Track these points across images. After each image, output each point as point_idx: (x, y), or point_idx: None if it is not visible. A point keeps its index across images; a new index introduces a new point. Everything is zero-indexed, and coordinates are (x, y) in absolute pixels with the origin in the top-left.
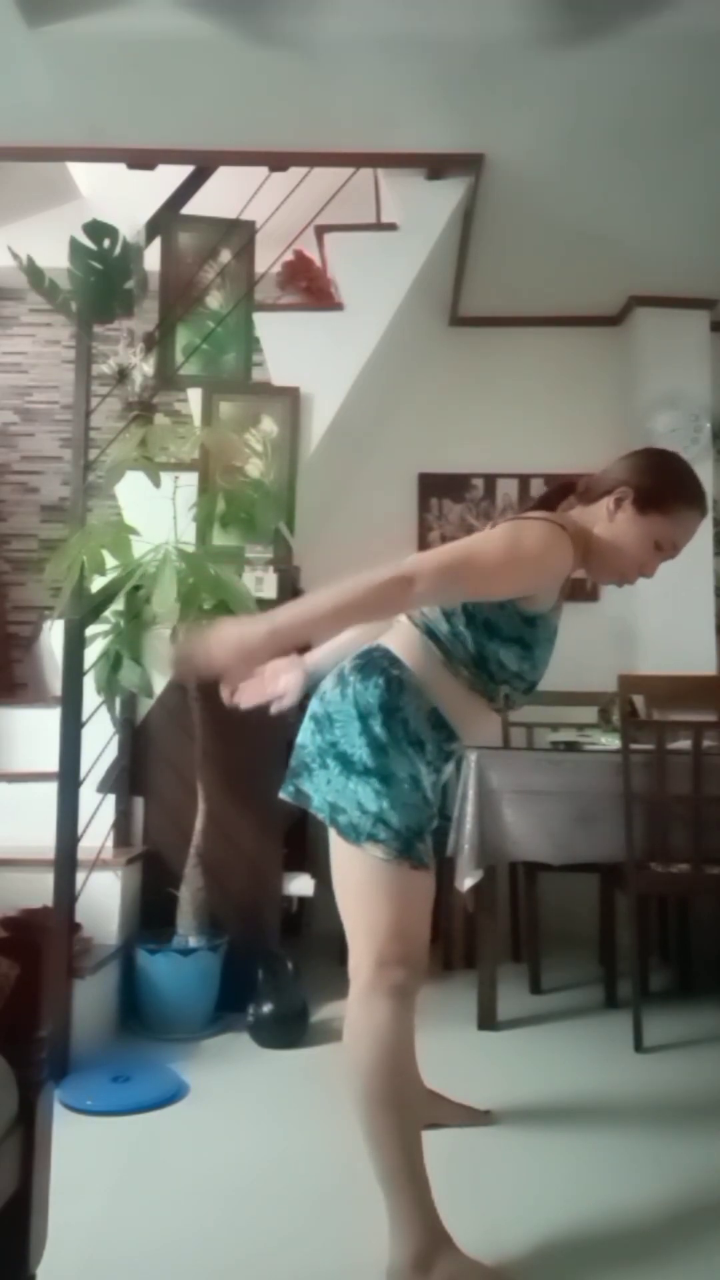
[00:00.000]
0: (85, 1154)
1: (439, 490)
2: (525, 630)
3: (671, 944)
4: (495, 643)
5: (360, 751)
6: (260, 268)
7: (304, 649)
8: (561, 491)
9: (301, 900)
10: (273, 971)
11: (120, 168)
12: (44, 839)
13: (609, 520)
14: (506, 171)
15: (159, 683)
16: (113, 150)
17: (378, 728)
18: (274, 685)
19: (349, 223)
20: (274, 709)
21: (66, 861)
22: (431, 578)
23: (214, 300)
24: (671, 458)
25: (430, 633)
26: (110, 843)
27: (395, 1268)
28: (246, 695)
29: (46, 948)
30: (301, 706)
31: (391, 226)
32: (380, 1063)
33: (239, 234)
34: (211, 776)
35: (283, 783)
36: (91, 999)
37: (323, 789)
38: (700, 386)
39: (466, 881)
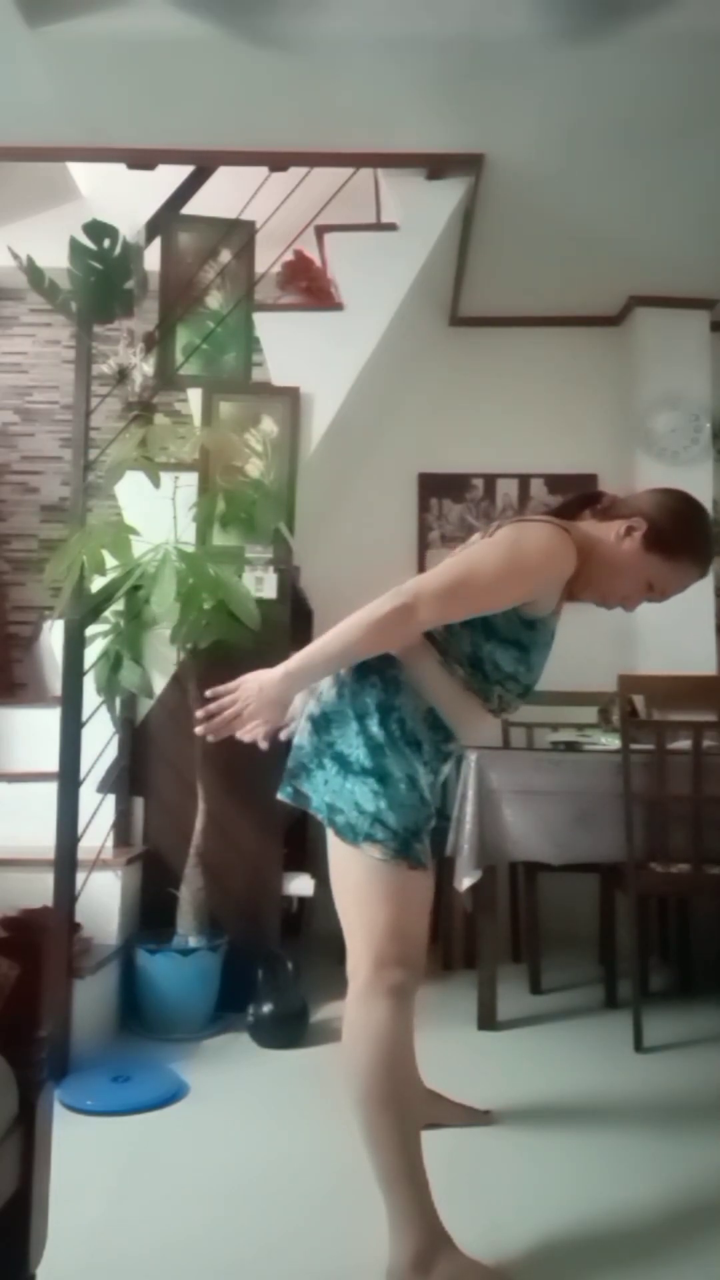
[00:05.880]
0: (85, 1154)
1: (439, 490)
2: (523, 633)
3: (671, 944)
4: (492, 643)
5: (357, 751)
6: (260, 268)
7: None
8: (583, 501)
9: (301, 900)
10: (273, 971)
11: (120, 168)
12: (44, 839)
13: (615, 544)
14: (506, 171)
15: (159, 683)
16: (113, 150)
17: (374, 727)
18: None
19: (349, 223)
20: (283, 735)
21: (66, 861)
22: (433, 603)
23: (214, 300)
24: (695, 509)
25: (427, 630)
26: (110, 843)
27: (395, 1268)
28: (261, 733)
29: (46, 948)
30: None
31: (391, 226)
32: (379, 1063)
33: (239, 234)
34: (211, 776)
35: (280, 783)
36: (91, 999)
37: (320, 789)
38: (700, 386)
39: (465, 881)
